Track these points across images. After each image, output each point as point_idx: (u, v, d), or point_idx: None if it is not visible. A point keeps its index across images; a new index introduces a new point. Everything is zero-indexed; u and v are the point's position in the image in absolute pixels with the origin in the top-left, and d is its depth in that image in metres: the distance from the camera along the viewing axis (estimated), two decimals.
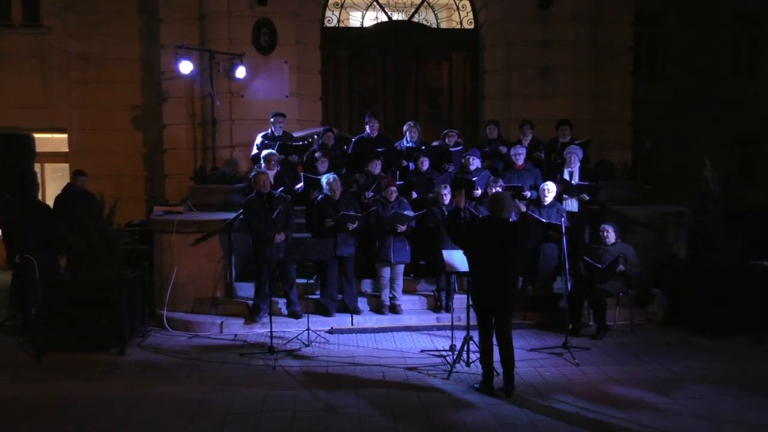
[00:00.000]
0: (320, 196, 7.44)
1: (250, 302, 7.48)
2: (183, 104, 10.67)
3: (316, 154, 8.19)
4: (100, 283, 6.58)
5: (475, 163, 8.03)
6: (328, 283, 7.41)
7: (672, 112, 13.55)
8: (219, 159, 9.99)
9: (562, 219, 6.67)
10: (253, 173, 7.66)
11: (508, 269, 5.32)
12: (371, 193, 7.76)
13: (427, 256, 7.78)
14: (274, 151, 8.12)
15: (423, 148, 8.46)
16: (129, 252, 7.80)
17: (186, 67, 9.69)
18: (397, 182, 7.91)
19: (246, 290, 7.75)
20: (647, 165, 13.81)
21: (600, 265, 6.97)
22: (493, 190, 7.24)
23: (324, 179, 7.43)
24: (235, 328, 7.29)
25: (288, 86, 10.39)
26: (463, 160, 8.18)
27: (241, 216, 7.54)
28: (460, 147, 8.54)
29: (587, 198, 7.85)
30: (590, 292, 7.07)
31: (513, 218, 7.40)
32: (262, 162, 8.01)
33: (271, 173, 7.82)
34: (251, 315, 7.36)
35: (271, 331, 6.37)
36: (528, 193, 7.91)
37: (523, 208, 7.32)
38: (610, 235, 7.21)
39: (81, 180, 8.46)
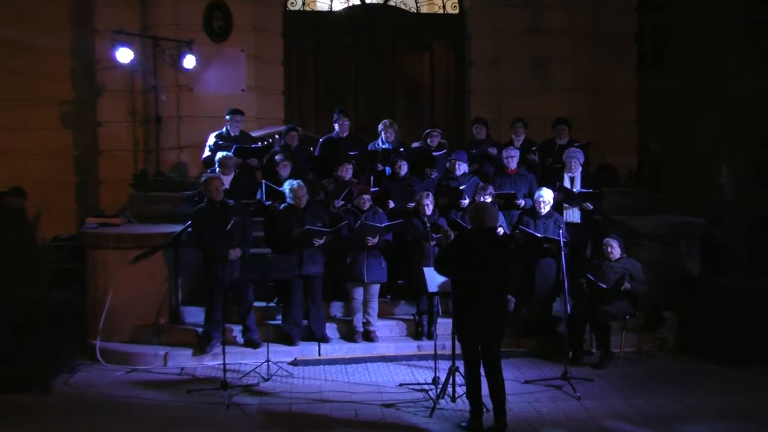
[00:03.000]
0: (282, 206, 7.39)
1: (200, 330, 7.41)
2: (121, 99, 10.52)
3: (277, 157, 8.13)
4: (20, 309, 6.45)
5: (461, 167, 8.05)
6: (291, 306, 7.35)
7: (681, 109, 13.77)
8: (164, 162, 9.89)
9: (561, 231, 6.71)
10: (203, 178, 7.59)
11: (496, 287, 5.33)
12: (341, 202, 7.74)
13: (406, 275, 7.76)
14: (230, 153, 8.04)
15: (401, 150, 8.50)
16: (56, 271, 7.68)
17: (125, 55, 9.56)
18: (372, 189, 7.89)
19: (195, 315, 7.68)
20: (654, 169, 14.02)
21: (604, 285, 7.01)
22: (482, 199, 7.25)
23: (287, 185, 7.39)
24: (182, 360, 7.21)
25: (245, 78, 10.35)
26: (447, 164, 8.20)
27: (190, 229, 7.48)
28: (444, 150, 8.57)
29: (591, 207, 7.90)
30: (592, 315, 7.11)
31: (506, 229, 7.51)
32: (216, 166, 7.94)
33: (227, 179, 7.76)
34: (201, 345, 7.29)
35: (224, 364, 6.30)
36: (522, 202, 7.95)
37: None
38: (615, 250, 7.25)
39: (17, 201, 8.13)
